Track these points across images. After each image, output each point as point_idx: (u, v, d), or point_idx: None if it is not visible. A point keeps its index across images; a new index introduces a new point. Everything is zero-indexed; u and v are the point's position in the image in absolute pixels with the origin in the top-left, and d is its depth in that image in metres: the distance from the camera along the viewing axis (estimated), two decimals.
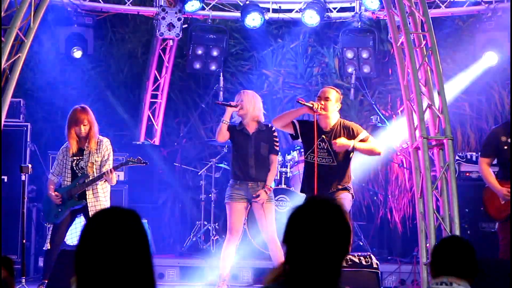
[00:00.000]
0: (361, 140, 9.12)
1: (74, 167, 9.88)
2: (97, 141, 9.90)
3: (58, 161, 9.98)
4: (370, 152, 9.31)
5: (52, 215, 9.81)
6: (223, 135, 9.77)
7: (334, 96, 9.33)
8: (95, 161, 9.87)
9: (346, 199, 9.18)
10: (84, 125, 9.74)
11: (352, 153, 9.19)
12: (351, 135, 9.15)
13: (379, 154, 9.42)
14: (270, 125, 9.94)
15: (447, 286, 4.78)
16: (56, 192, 9.80)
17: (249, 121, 9.83)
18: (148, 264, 3.47)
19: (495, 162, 9.77)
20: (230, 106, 9.72)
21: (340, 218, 3.46)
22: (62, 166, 9.92)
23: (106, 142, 9.99)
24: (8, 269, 2.98)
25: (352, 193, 9.33)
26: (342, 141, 9.02)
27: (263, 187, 9.71)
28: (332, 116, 9.32)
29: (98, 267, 3.36)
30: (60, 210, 9.77)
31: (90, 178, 9.80)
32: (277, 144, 9.96)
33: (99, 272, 3.36)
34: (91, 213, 9.68)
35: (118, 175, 11.86)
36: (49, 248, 9.74)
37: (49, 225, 9.92)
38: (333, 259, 3.42)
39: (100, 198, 9.82)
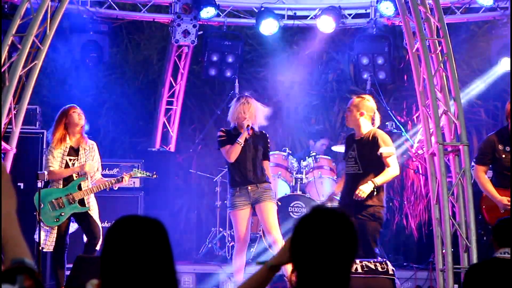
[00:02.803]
0: (382, 156, 9.26)
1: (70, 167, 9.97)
2: (88, 140, 10.07)
3: (55, 156, 10.07)
4: (391, 179, 9.57)
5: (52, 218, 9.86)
6: (237, 155, 9.80)
7: (353, 104, 9.49)
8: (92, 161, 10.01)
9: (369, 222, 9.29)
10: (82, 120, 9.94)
11: (380, 160, 9.25)
12: (375, 144, 9.26)
13: (397, 175, 9.69)
14: (263, 131, 10.01)
15: (509, 255, 5.77)
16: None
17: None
18: (172, 272, 3.50)
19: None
20: (249, 127, 9.73)
21: (346, 228, 3.47)
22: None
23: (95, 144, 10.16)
24: (33, 278, 2.97)
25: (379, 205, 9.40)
26: (362, 190, 9.15)
27: (263, 188, 9.78)
28: (362, 125, 9.45)
29: (123, 273, 3.41)
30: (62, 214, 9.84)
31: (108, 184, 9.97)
32: (270, 151, 10.11)
33: (124, 278, 3.40)
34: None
35: (134, 182, 11.90)
36: (51, 250, 9.83)
37: (47, 227, 9.91)
38: (340, 269, 3.45)
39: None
